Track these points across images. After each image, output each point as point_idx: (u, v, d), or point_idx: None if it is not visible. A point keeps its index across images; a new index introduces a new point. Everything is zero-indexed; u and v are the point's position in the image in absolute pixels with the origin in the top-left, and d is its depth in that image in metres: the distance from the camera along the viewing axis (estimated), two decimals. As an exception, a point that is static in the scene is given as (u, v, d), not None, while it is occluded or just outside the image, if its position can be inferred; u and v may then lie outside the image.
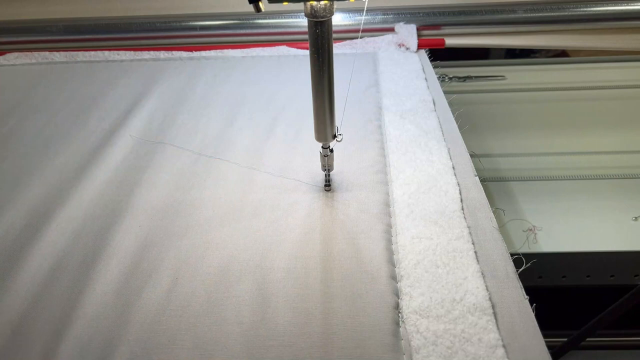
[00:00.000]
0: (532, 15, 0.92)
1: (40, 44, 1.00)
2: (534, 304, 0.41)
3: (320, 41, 0.41)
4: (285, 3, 0.39)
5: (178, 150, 0.65)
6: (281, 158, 0.62)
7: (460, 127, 0.66)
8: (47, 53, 0.97)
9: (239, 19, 0.97)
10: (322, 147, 0.51)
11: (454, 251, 0.47)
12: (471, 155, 0.60)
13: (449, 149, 0.61)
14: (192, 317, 0.42)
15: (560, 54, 1.41)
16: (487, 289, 0.43)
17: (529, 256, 0.49)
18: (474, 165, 0.59)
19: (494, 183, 0.91)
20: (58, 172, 0.62)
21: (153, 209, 0.55)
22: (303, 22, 0.95)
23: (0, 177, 0.62)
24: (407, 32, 0.91)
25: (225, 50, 0.95)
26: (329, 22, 0.41)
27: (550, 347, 0.38)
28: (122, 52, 0.96)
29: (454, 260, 0.46)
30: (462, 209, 0.52)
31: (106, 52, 0.96)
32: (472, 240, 0.48)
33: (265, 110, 0.73)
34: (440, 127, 0.66)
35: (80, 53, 0.97)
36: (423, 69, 0.83)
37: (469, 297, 0.42)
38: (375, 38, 0.94)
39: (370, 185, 0.56)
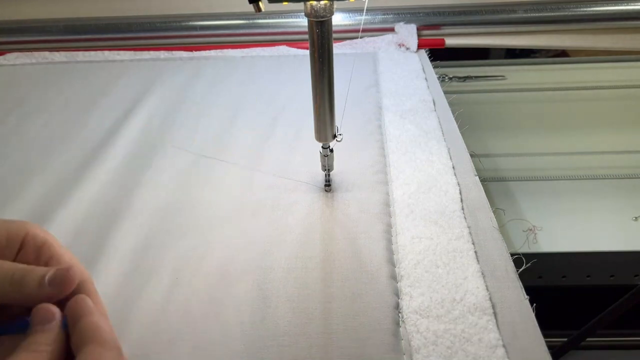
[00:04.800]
0: (532, 15, 0.92)
1: (40, 44, 1.00)
2: (534, 304, 0.41)
3: (320, 41, 0.41)
4: (285, 3, 0.39)
5: (178, 151, 0.65)
6: (281, 158, 0.62)
7: (460, 127, 0.66)
8: (47, 53, 0.97)
9: (239, 19, 0.97)
10: (322, 147, 0.51)
11: (454, 251, 0.47)
12: (471, 155, 0.60)
13: (449, 149, 0.61)
14: (192, 317, 0.42)
15: (560, 54, 1.41)
16: (487, 289, 0.43)
17: (529, 256, 0.49)
18: (474, 165, 0.58)
19: (494, 183, 0.90)
20: (58, 172, 0.62)
21: (153, 209, 0.55)
22: (303, 22, 0.95)
23: (0, 177, 0.62)
24: (407, 32, 0.91)
25: (225, 50, 0.95)
26: (329, 22, 0.41)
27: (550, 347, 0.38)
28: (122, 52, 0.96)
29: (454, 260, 0.46)
30: (462, 209, 0.52)
31: (106, 52, 0.96)
32: (472, 240, 0.48)
33: (265, 110, 0.73)
34: (440, 127, 0.66)
35: (80, 53, 0.97)
36: (423, 69, 0.83)
37: (469, 297, 0.42)
38: (375, 38, 0.94)
39: (370, 185, 0.56)
